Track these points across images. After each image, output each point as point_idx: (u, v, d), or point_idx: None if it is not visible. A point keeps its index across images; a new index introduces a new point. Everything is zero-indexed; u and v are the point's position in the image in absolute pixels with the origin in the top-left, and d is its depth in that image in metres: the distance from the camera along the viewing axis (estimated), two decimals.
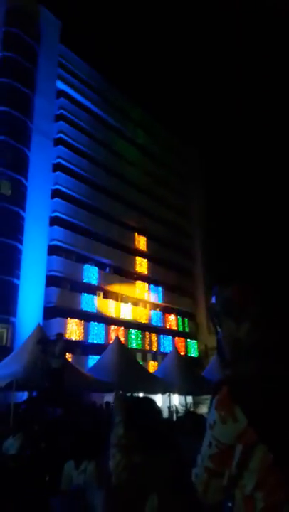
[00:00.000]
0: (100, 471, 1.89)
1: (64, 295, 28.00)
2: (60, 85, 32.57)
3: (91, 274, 30.40)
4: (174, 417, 13.66)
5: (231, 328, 1.25)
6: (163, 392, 16.54)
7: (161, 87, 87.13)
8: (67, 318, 27.07)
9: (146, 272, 35.84)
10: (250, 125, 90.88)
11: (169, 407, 16.62)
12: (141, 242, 36.43)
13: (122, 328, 30.84)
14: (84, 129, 33.83)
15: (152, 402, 1.89)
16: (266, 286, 1.26)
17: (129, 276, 34.24)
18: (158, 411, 1.89)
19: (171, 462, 1.71)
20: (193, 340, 38.52)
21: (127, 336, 30.67)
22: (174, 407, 17.15)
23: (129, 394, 12.42)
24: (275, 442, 1.03)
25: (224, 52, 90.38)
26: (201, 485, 1.14)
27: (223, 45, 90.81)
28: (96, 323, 29.04)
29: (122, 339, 24.73)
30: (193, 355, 37.18)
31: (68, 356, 18.61)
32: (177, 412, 16.15)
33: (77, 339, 27.14)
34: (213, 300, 1.35)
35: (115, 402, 1.91)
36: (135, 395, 12.79)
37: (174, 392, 16.80)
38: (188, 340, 37.76)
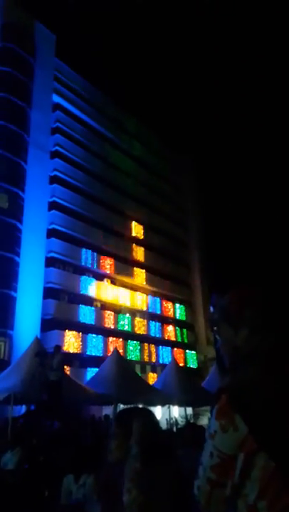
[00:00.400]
0: (99, 484, 1.84)
1: (62, 307, 27.89)
2: (56, 98, 32.91)
3: (88, 285, 30.32)
4: (174, 429, 13.52)
5: (230, 335, 1.23)
6: (162, 404, 16.41)
7: (156, 98, 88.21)
8: (65, 330, 26.90)
9: (144, 283, 35.79)
10: (245, 133, 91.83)
11: (169, 419, 16.46)
12: (138, 253, 36.45)
13: (121, 339, 30.67)
14: (80, 142, 34.10)
15: (151, 413, 1.87)
16: (263, 291, 1.25)
17: (127, 287, 34.17)
18: (157, 422, 1.87)
19: (172, 474, 1.69)
20: (193, 351, 38.29)
21: (125, 347, 30.47)
22: (174, 419, 16.98)
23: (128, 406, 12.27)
24: (276, 450, 1.02)
25: (218, 64, 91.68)
26: (204, 497, 1.11)
27: (216, 57, 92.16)
28: (94, 335, 28.87)
29: (121, 351, 24.56)
30: (192, 366, 36.92)
31: (66, 369, 18.46)
32: (177, 423, 15.99)
33: (75, 351, 26.93)
34: (212, 309, 1.35)
35: (135, 427, 1.84)
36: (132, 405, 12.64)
37: (173, 404, 16.66)
38: (188, 351, 37.54)
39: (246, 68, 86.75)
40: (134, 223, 37.02)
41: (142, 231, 37.75)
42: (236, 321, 1.22)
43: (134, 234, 36.69)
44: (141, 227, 37.71)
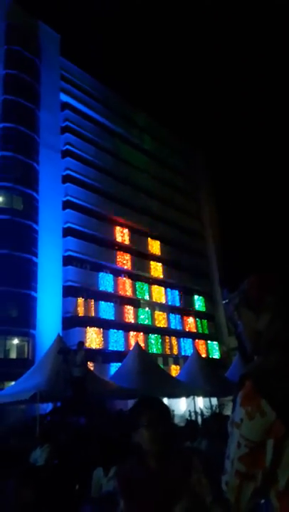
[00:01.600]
0: (119, 478, 1.82)
1: (81, 304, 28.13)
2: (64, 97, 32.96)
3: (106, 281, 30.49)
4: (200, 420, 13.54)
5: (251, 320, 1.22)
6: (187, 396, 16.41)
7: (164, 90, 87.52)
8: (86, 327, 27.15)
9: (161, 276, 35.78)
10: (256, 122, 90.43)
11: (194, 410, 16.48)
12: (154, 247, 36.41)
13: (142, 333, 30.78)
14: (90, 139, 34.13)
15: (164, 404, 1.85)
16: (284, 277, 1.23)
17: (145, 281, 34.22)
18: (170, 412, 1.85)
19: (194, 466, 1.67)
20: (214, 342, 38.18)
21: (146, 341, 30.59)
22: (200, 410, 16.98)
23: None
24: None
25: (227, 54, 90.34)
26: (233, 492, 1.07)
27: (225, 47, 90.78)
28: (115, 330, 29.05)
29: (142, 345, 24.66)
30: (215, 356, 36.85)
31: (90, 365, 18.63)
32: (202, 414, 16.00)
33: (98, 347, 27.18)
34: (225, 304, 1.35)
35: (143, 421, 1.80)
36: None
37: (197, 395, 16.65)
38: (209, 341, 37.44)
39: (259, 56, 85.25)
40: (148, 217, 36.94)
41: (157, 225, 37.65)
42: (257, 305, 1.20)
43: (148, 228, 36.62)
44: (155, 220, 37.60)
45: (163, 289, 35.44)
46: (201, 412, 16.83)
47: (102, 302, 29.39)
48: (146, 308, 33.17)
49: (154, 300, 34.16)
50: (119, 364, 18.14)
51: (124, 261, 32.68)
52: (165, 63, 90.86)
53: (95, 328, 27.75)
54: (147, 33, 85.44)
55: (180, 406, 20.24)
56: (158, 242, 36.89)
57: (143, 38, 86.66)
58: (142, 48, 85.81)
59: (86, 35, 78.04)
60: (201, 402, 18.86)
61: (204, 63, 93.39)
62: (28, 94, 28.69)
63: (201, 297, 39.58)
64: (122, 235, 33.45)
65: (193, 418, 14.82)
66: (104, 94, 37.31)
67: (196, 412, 16.29)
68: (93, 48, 77.17)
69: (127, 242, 33.63)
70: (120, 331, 29.33)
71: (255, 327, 1.20)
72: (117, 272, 32.23)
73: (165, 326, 33.76)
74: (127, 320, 30.63)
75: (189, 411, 16.76)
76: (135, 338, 28.67)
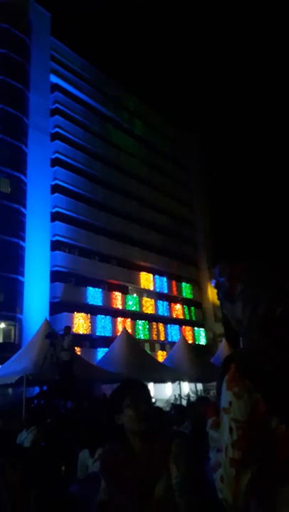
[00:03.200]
0: (101, 459, 1.86)
1: (69, 289, 28.10)
2: (54, 79, 32.31)
3: (94, 267, 30.44)
4: (185, 404, 13.77)
5: (229, 309, 1.28)
6: (173, 381, 16.65)
7: (156, 74, 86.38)
8: (73, 312, 27.17)
9: (149, 263, 35.85)
10: (248, 108, 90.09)
11: (179, 395, 16.74)
12: (143, 233, 36.36)
13: (129, 319, 30.94)
14: (80, 122, 33.65)
15: (145, 385, 1.89)
16: (250, 265, 1.27)
17: (133, 267, 34.25)
18: (150, 393, 1.89)
19: (172, 448, 1.70)
20: (201, 328, 38.62)
21: (134, 327, 30.78)
22: (188, 395, 17.27)
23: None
24: (287, 412, 1.03)
25: (222, 37, 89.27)
26: (230, 485, 1.03)
27: (220, 30, 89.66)
28: (103, 316, 29.15)
29: (130, 330, 24.83)
30: (201, 343, 37.31)
31: (77, 350, 18.68)
32: (189, 398, 16.28)
33: (85, 332, 27.28)
34: (212, 283, 1.39)
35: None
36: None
37: (183, 380, 16.91)
38: (196, 328, 37.85)
39: (253, 40, 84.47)
40: (137, 203, 36.77)
41: (146, 211, 37.53)
42: (231, 295, 1.25)
43: (138, 214, 36.49)
44: (145, 206, 37.46)
45: (151, 275, 35.55)
46: (188, 396, 17.11)
47: (90, 288, 29.39)
48: (134, 295, 33.29)
49: (142, 287, 34.28)
50: (107, 349, 18.28)
51: (113, 246, 32.60)
52: (158, 46, 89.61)
53: (83, 314, 27.80)
54: (140, 14, 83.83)
55: (166, 391, 20.54)
56: (146, 229, 36.81)
57: (136, 19, 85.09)
58: (135, 30, 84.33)
59: (78, 15, 76.34)
60: (186, 388, 19.16)
61: (198, 47, 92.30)
62: (18, 75, 28.01)
63: (188, 284, 39.84)
64: (111, 220, 33.26)
65: (178, 403, 15.06)
66: (95, 76, 36.65)
67: (180, 397, 16.56)
68: (85, 29, 75.61)
69: (115, 227, 33.48)
70: (108, 317, 29.44)
71: (234, 316, 1.25)
72: (106, 258, 32.17)
73: (153, 312, 33.98)
74: (114, 306, 30.73)
75: (174, 395, 17.03)
76: (123, 323, 28.84)
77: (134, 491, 1.60)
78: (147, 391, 1.83)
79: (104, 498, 1.74)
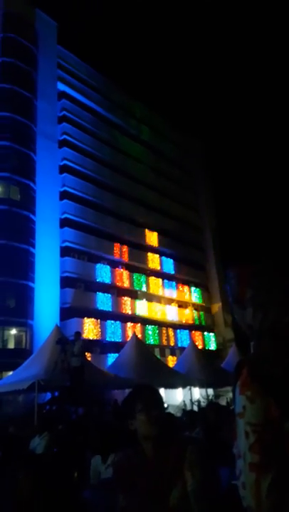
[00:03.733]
0: (115, 466, 1.86)
1: (79, 295, 28.16)
2: (61, 87, 32.64)
3: (104, 273, 30.50)
4: (196, 409, 13.70)
5: (239, 315, 1.27)
6: (183, 386, 16.55)
7: (162, 81, 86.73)
8: (83, 318, 27.21)
9: (158, 268, 35.84)
10: (253, 112, 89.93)
11: (190, 400, 16.64)
12: (152, 238, 36.39)
13: (139, 325, 30.90)
14: (87, 129, 33.89)
15: (157, 390, 1.89)
16: (260, 269, 1.27)
17: (142, 272, 34.25)
18: (162, 398, 1.89)
19: (187, 455, 1.69)
20: (211, 333, 38.40)
21: (143, 332, 30.72)
22: (198, 400, 17.16)
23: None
24: None
25: (225, 43, 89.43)
26: (252, 491, 1.00)
27: (223, 36, 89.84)
28: (112, 321, 29.14)
29: (139, 336, 24.79)
30: (211, 348, 37.09)
31: (87, 355, 18.73)
32: (199, 404, 16.18)
33: (95, 338, 27.28)
34: (225, 288, 1.39)
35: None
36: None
37: (194, 386, 16.80)
38: (206, 333, 37.66)
39: (257, 45, 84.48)
40: (145, 208, 36.84)
41: (154, 216, 37.58)
42: (241, 300, 1.25)
43: (146, 219, 36.54)
44: (152, 211, 37.52)
45: (160, 280, 35.51)
46: (199, 402, 17.00)
47: (100, 293, 29.44)
48: (144, 300, 33.25)
49: (151, 292, 34.24)
50: (117, 355, 18.25)
51: (122, 252, 32.68)
52: (164, 53, 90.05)
53: (93, 319, 27.83)
54: (145, 22, 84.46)
55: (176, 396, 20.43)
56: (155, 234, 36.86)
57: (141, 27, 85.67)
58: (141, 37, 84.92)
59: (84, 23, 77.14)
60: (197, 393, 19.05)
61: (203, 53, 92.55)
62: (25, 83, 28.37)
63: (198, 289, 39.70)
64: (119, 226, 33.35)
65: (189, 408, 14.98)
66: (101, 83, 36.95)
67: (192, 402, 16.46)
68: (91, 37, 76.30)
69: (124, 233, 33.57)
70: (117, 322, 29.42)
71: (245, 321, 1.24)
72: (115, 263, 32.24)
73: (162, 317, 33.90)
74: (124, 311, 30.71)
75: (184, 401, 16.92)
76: (132, 329, 28.79)
77: (149, 497, 1.60)
78: (159, 396, 1.83)
79: (122, 505, 1.73)
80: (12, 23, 28.53)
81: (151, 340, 30.98)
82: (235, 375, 1.13)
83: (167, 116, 48.49)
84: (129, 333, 25.50)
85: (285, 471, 1.02)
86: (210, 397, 17.79)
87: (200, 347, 30.06)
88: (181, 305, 37.10)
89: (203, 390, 18.40)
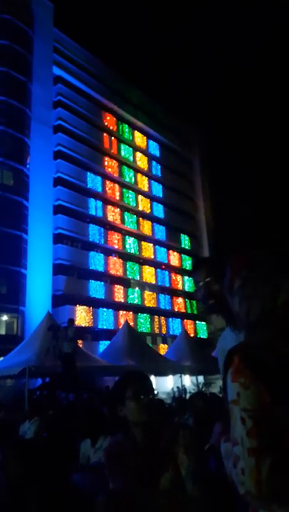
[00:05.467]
0: (106, 450, 1.88)
1: (72, 283, 28.14)
2: (57, 71, 32.06)
3: (97, 261, 30.46)
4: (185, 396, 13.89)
5: (232, 306, 1.29)
6: (174, 374, 16.74)
7: (161, 67, 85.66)
8: (76, 305, 27.25)
9: (152, 257, 35.87)
10: (252, 99, 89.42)
11: (181, 387, 16.84)
12: (146, 226, 36.32)
13: (131, 313, 31.02)
14: (83, 115, 33.43)
15: (147, 376, 1.90)
16: (250, 259, 1.28)
17: (135, 260, 34.26)
18: (152, 385, 1.90)
19: (179, 440, 1.71)
20: (202, 322, 38.70)
21: (136, 320, 30.87)
22: (183, 387, 17.38)
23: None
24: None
25: (224, 27, 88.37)
26: (252, 476, 1.00)
27: (223, 20, 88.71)
28: (105, 309, 29.22)
29: (131, 324, 24.91)
30: (202, 336, 37.42)
31: (79, 343, 18.82)
32: (185, 391, 16.40)
33: (87, 325, 27.37)
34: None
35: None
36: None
37: (184, 373, 17.00)
38: (197, 322, 37.94)
39: (257, 32, 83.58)
40: (141, 197, 36.70)
41: (149, 205, 37.49)
42: (231, 289, 1.28)
43: (141, 208, 36.43)
44: (148, 200, 37.41)
45: (153, 269, 35.57)
46: (185, 389, 17.21)
47: (93, 281, 29.44)
48: (136, 288, 33.34)
49: (144, 280, 34.32)
50: (108, 342, 18.35)
51: (115, 240, 32.62)
52: (162, 38, 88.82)
53: (85, 307, 27.88)
54: (144, 6, 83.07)
55: (167, 384, 20.63)
56: (149, 223, 36.79)
57: (140, 11, 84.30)
58: (139, 22, 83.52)
59: (81, 6, 75.63)
60: (187, 380, 19.27)
61: (203, 39, 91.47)
62: (20, 66, 27.82)
63: (190, 278, 39.82)
64: (113, 214, 33.24)
65: (180, 395, 15.16)
66: (98, 68, 36.33)
67: (179, 389, 16.67)
68: (88, 20, 74.92)
69: (118, 221, 33.48)
70: (110, 310, 29.51)
71: (234, 309, 1.27)
72: (108, 251, 32.19)
73: (154, 305, 34.05)
74: (116, 299, 30.79)
75: (172, 389, 17.13)
76: (125, 317, 28.91)
77: (140, 481, 1.62)
78: (149, 382, 1.84)
79: (112, 488, 1.75)
80: (7, 3, 27.71)
81: (143, 329, 31.15)
82: (226, 364, 1.14)
83: (164, 104, 48.00)
84: (122, 321, 25.61)
85: (283, 455, 1.03)
86: (200, 386, 18.00)
87: (192, 335, 30.33)
88: (174, 294, 37.24)
89: (194, 378, 18.63)
